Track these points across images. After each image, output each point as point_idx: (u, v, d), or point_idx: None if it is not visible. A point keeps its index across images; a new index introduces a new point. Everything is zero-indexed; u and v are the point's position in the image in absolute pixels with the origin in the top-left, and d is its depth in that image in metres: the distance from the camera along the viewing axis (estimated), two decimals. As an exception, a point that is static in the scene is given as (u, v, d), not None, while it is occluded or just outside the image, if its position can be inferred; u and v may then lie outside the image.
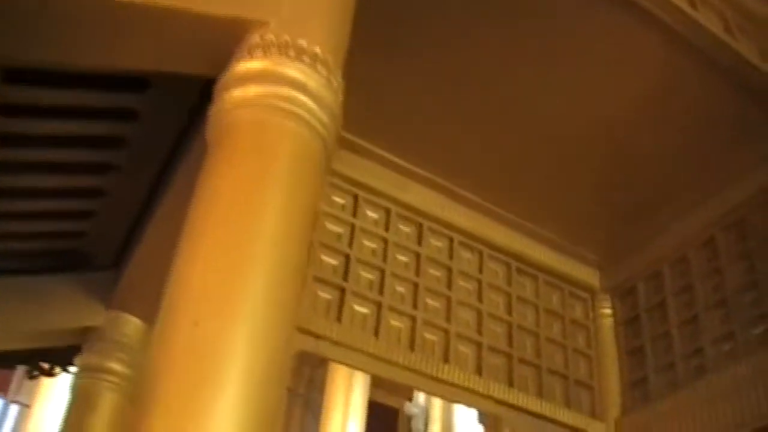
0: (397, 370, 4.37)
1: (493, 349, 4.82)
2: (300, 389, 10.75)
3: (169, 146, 4.24)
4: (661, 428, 4.66)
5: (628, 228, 5.33)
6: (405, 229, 4.98)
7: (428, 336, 4.64)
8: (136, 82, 3.69)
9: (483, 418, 7.31)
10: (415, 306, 4.66)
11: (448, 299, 4.83)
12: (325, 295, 4.40)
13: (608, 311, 5.46)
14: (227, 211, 2.29)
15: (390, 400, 12.19)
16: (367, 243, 4.75)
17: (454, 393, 4.55)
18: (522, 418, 4.72)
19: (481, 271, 5.11)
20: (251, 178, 2.37)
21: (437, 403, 6.92)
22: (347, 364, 4.27)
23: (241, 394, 1.98)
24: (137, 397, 1.98)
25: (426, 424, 6.95)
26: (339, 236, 4.67)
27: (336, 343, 4.21)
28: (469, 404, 4.63)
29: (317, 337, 4.18)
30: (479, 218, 5.22)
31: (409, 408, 7.21)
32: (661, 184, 5.06)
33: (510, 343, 4.92)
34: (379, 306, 4.51)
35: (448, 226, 5.10)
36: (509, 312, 5.06)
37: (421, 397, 7.35)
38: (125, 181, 4.42)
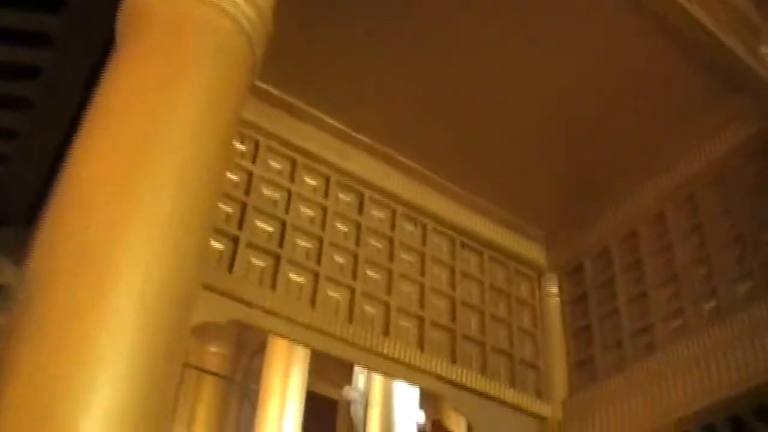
0: (335, 343, 4.11)
1: (435, 325, 4.60)
2: (237, 377, 10.42)
3: (88, 78, 3.85)
4: (609, 408, 4.49)
5: (577, 204, 5.16)
6: (345, 198, 4.72)
7: (368, 309, 4.39)
8: (49, 1, 3.29)
9: (424, 403, 7.09)
10: (354, 277, 4.41)
11: (389, 272, 4.59)
12: (258, 262, 4.12)
13: (555, 290, 5.28)
14: (133, 109, 1.96)
15: (330, 392, 11.92)
16: (305, 210, 4.49)
17: (394, 368, 4.31)
18: (465, 396, 4.50)
19: (424, 244, 4.89)
20: (164, 75, 2.06)
21: (377, 387, 6.68)
22: (282, 335, 4.00)
23: (137, 309, 1.65)
24: (11, 324, 1.63)
25: (365, 409, 6.72)
26: (275, 202, 4.40)
27: (269, 312, 3.94)
28: (411, 381, 4.40)
29: (249, 305, 3.90)
30: (423, 190, 4.99)
31: (348, 392, 6.95)
32: (611, 158, 4.88)
33: (453, 319, 4.70)
34: (316, 276, 4.25)
35: (391, 196, 4.86)
36: (453, 287, 4.84)
37: (360, 380, 7.10)
38: (39, 119, 3.99)
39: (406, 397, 6.90)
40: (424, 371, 4.34)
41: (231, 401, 10.26)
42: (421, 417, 7.10)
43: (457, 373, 4.45)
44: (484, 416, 4.56)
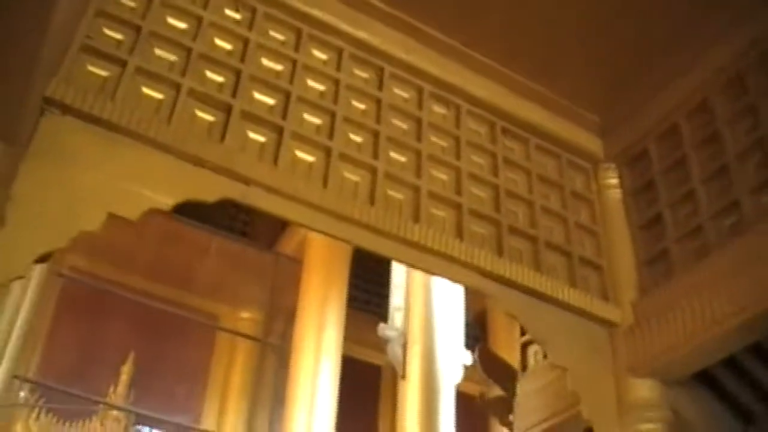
0: (352, 228, 3.39)
1: (475, 214, 3.85)
2: (274, 340, 9.81)
3: None
4: (689, 305, 3.69)
5: (634, 80, 4.36)
6: (362, 74, 4.00)
7: (393, 193, 3.67)
8: None
9: (471, 341, 6.35)
10: (375, 156, 3.69)
11: (418, 153, 3.86)
12: (257, 136, 3.42)
13: (614, 181, 4.49)
14: None
15: (372, 357, 11.27)
16: (313, 84, 3.78)
17: (427, 260, 3.57)
18: (516, 296, 3.75)
19: (458, 127, 4.14)
20: None
21: (416, 323, 5.95)
22: (286, 218, 3.29)
23: None
24: None
25: (404, 348, 5.99)
26: (277, 74, 3.70)
27: (271, 190, 3.24)
28: (447, 275, 3.65)
29: (246, 181, 3.20)
30: (455, 67, 4.24)
31: (384, 330, 6.23)
32: (677, 21, 4.10)
33: (497, 209, 3.95)
34: (328, 153, 3.54)
35: (417, 73, 4.13)
36: (495, 174, 4.09)
37: (397, 318, 6.37)
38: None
39: (450, 334, 6.17)
40: (464, 263, 3.61)
41: (267, 364, 9.67)
42: (467, 357, 6.37)
43: (504, 268, 3.70)
44: (541, 320, 3.81)
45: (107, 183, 2.89)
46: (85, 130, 2.96)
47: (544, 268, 3.87)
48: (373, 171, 3.61)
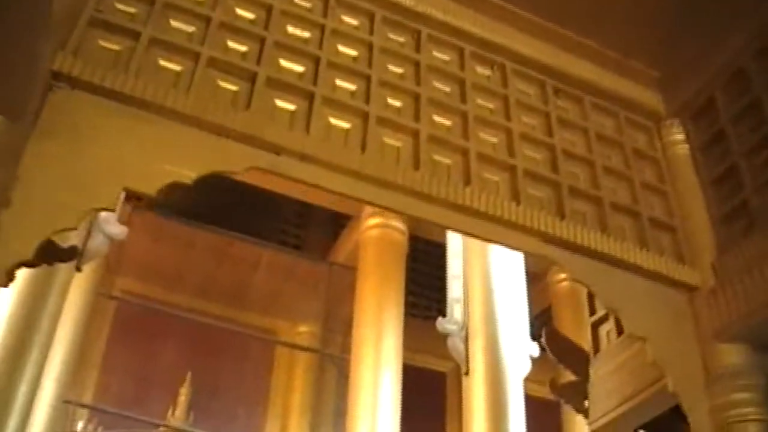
0: (397, 195, 3.09)
1: (532, 176, 3.53)
2: (333, 353, 9.53)
3: None
4: (778, 256, 3.32)
5: (692, 24, 4.00)
6: (397, 38, 3.72)
7: (439, 158, 3.36)
8: None
9: (540, 324, 5.96)
10: (417, 119, 3.39)
11: (464, 115, 3.56)
12: (285, 104, 3.15)
13: (680, 137, 4.13)
14: None
15: (435, 364, 10.91)
16: (344, 50, 3.50)
17: (482, 226, 3.25)
18: (583, 262, 3.41)
19: (505, 88, 3.83)
20: None
21: (477, 315, 5.59)
22: (322, 186, 2.99)
23: None
24: None
25: (466, 342, 5.63)
26: (305, 41, 3.44)
27: (304, 157, 2.96)
28: (506, 242, 3.33)
29: (277, 150, 2.93)
30: (497, 26, 3.94)
31: (443, 324, 5.85)
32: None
33: (555, 170, 3.62)
34: (365, 118, 3.25)
35: (456, 34, 3.83)
36: (550, 134, 3.76)
37: (456, 310, 6.01)
38: None
39: (514, 325, 5.82)
40: (524, 228, 3.28)
41: (327, 378, 9.40)
42: (534, 349, 6.00)
43: (568, 231, 3.36)
44: (613, 287, 3.46)
45: (122, 158, 2.64)
46: (97, 104, 2.72)
47: (611, 231, 3.53)
48: (416, 135, 3.31)
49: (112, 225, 5.20)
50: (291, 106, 3.14)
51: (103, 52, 2.92)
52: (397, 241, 8.90)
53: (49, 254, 2.64)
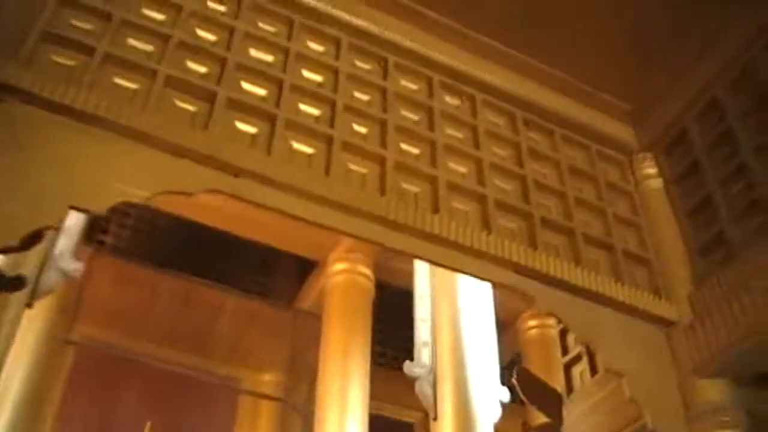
0: (362, 222, 2.95)
1: (502, 206, 3.41)
2: (298, 403, 9.25)
3: None
4: (757, 286, 3.21)
5: (662, 55, 3.95)
6: (363, 64, 3.61)
7: (407, 185, 3.23)
8: None
9: (510, 373, 5.79)
10: (384, 146, 3.26)
11: (432, 143, 3.44)
12: (246, 126, 3.02)
13: (653, 170, 4.05)
14: None
15: (403, 415, 10.64)
16: (309, 74, 3.39)
17: (452, 256, 3.11)
18: (556, 294, 3.27)
19: (475, 118, 3.73)
20: None
21: (445, 358, 5.38)
22: (284, 211, 2.83)
23: None
24: None
25: (434, 386, 5.42)
26: (268, 64, 3.32)
27: (265, 180, 2.81)
28: (477, 272, 3.18)
29: (236, 172, 2.78)
30: (466, 56, 3.85)
31: (410, 368, 5.60)
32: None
33: (526, 201, 3.50)
34: (329, 143, 3.12)
35: (424, 62, 3.74)
36: (520, 165, 3.65)
37: (424, 354, 5.77)
38: None
39: (483, 369, 5.64)
40: (495, 258, 3.14)
41: (292, 426, 9.10)
42: (505, 394, 5.81)
43: (541, 262, 3.24)
44: (588, 320, 3.32)
45: (71, 175, 2.48)
46: (46, 120, 2.57)
47: (584, 263, 3.41)
48: (382, 161, 3.19)
49: (67, 260, 4.97)
50: (252, 129, 3.00)
51: (56, 66, 2.78)
52: (363, 287, 8.72)
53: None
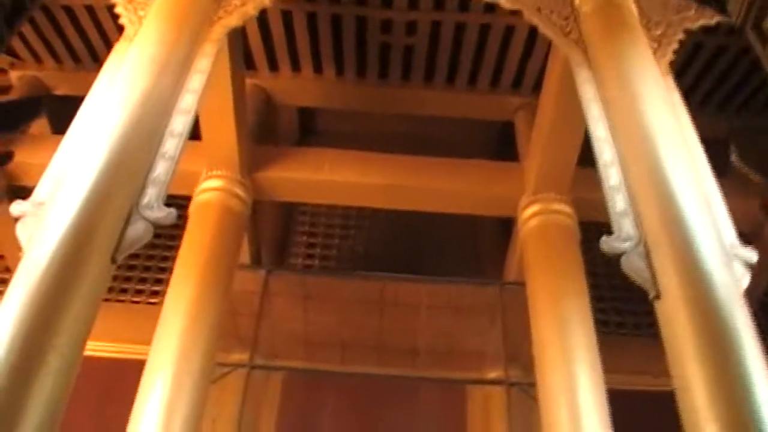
0: None
1: None
2: (524, 383, 7.91)
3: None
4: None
5: None
6: None
7: None
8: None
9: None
10: None
11: None
12: None
13: None
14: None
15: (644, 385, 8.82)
16: None
17: None
18: None
19: None
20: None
21: (654, 221, 3.93)
22: None
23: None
24: None
25: (647, 257, 3.94)
26: None
27: None
28: None
29: None
30: None
31: (610, 244, 4.04)
32: None
33: None
34: None
35: None
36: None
37: (625, 224, 4.22)
38: None
39: (708, 225, 4.12)
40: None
41: (523, 409, 7.80)
42: (751, 254, 4.24)
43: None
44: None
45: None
46: None
47: None
48: None
49: (156, 210, 4.16)
50: None
51: None
52: (564, 226, 7.35)
53: None
